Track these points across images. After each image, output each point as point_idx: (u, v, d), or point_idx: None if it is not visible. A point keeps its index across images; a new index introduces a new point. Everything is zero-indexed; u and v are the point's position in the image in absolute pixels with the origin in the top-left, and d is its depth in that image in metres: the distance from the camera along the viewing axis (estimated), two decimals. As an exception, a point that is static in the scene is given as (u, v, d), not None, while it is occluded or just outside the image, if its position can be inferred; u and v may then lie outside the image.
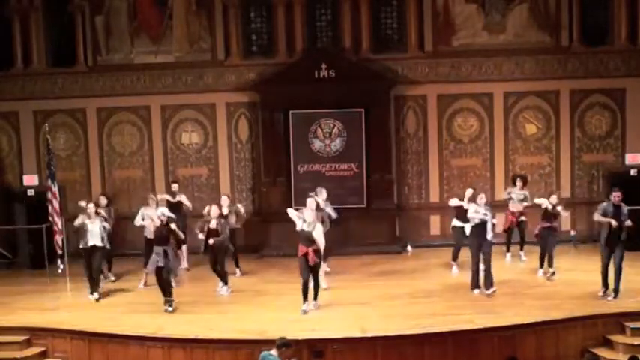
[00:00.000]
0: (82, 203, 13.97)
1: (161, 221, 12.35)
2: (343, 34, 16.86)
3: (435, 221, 16.98)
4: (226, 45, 16.94)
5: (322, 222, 13.01)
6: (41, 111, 17.15)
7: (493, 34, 16.79)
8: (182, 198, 15.26)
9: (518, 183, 14.94)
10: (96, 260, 13.35)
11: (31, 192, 16.80)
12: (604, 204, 12.23)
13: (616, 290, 12.02)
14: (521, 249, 15.00)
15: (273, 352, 8.93)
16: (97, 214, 13.56)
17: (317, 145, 16.76)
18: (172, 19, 17.00)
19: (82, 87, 17.12)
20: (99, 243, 13.32)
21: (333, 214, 13.82)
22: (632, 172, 16.51)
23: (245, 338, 10.77)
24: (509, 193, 14.94)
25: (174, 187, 15.50)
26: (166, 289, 12.31)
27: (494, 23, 16.78)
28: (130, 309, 12.61)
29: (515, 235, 15.07)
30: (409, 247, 16.51)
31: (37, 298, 13.57)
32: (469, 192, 14.15)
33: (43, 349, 11.72)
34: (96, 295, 13.26)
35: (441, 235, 16.82)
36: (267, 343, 9.52)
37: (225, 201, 14.13)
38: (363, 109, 16.61)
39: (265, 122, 16.80)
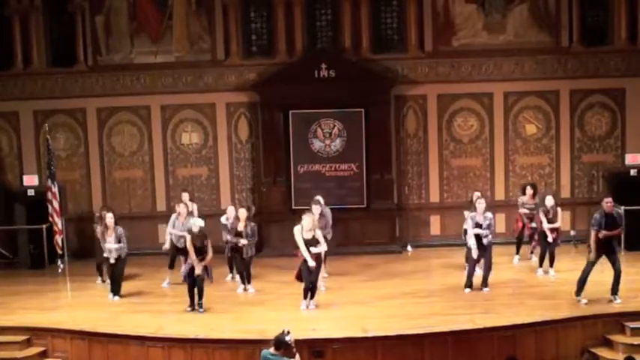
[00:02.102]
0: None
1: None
2: (343, 34, 16.86)
3: (435, 221, 16.99)
4: (226, 45, 16.94)
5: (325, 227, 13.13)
6: (41, 111, 17.14)
7: (493, 34, 16.79)
8: (194, 207, 14.66)
9: (529, 191, 14.54)
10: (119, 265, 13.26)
11: (31, 192, 16.78)
12: (597, 216, 11.79)
13: (616, 291, 11.99)
14: (532, 252, 14.88)
15: (272, 350, 8.91)
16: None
17: (317, 145, 16.77)
18: (172, 19, 17.00)
19: (82, 87, 17.12)
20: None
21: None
22: (632, 172, 16.51)
23: (245, 338, 10.76)
24: (523, 205, 14.57)
25: (185, 196, 14.78)
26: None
27: (494, 23, 16.79)
28: (130, 309, 12.61)
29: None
30: (409, 247, 16.52)
31: (37, 298, 13.56)
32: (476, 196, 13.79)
33: (43, 349, 11.70)
34: (117, 297, 13.20)
35: (441, 235, 16.85)
36: (267, 343, 9.52)
37: (231, 211, 13.88)
38: (363, 109, 16.61)
39: (265, 122, 16.80)
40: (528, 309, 11.68)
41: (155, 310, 12.42)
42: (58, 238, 15.48)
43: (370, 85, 16.39)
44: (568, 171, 16.95)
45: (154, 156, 17.24)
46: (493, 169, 17.00)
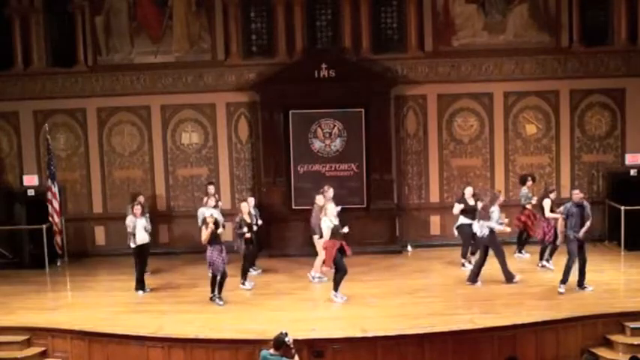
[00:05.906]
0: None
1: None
2: (343, 34, 16.85)
3: (435, 221, 16.97)
4: (226, 45, 16.93)
5: None
6: (41, 111, 17.12)
7: (493, 34, 16.78)
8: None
9: (529, 182, 15.00)
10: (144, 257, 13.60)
11: (31, 192, 16.78)
12: (568, 204, 12.52)
13: (582, 283, 12.37)
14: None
15: (272, 350, 8.92)
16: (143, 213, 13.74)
17: (317, 145, 16.76)
18: (172, 19, 16.99)
19: (82, 87, 17.10)
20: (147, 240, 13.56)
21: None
22: (632, 172, 16.52)
23: (245, 338, 10.78)
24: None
25: (211, 188, 15.45)
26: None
27: (494, 23, 16.77)
28: (130, 309, 12.62)
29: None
30: (409, 247, 16.52)
31: (37, 298, 13.59)
32: (469, 190, 14.29)
33: (43, 349, 11.72)
34: (141, 292, 13.48)
35: (441, 235, 16.83)
36: (267, 343, 9.53)
37: (251, 202, 14.37)
38: (363, 109, 16.60)
39: (265, 122, 16.78)
40: (528, 309, 11.70)
41: (155, 310, 12.44)
42: (58, 238, 15.53)
43: (370, 85, 16.38)
44: (568, 171, 16.94)
45: (154, 156, 17.23)
46: (493, 169, 16.99)
